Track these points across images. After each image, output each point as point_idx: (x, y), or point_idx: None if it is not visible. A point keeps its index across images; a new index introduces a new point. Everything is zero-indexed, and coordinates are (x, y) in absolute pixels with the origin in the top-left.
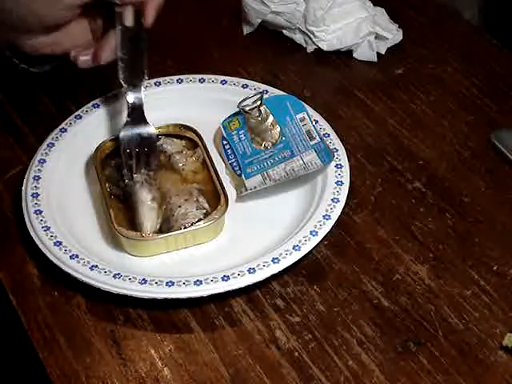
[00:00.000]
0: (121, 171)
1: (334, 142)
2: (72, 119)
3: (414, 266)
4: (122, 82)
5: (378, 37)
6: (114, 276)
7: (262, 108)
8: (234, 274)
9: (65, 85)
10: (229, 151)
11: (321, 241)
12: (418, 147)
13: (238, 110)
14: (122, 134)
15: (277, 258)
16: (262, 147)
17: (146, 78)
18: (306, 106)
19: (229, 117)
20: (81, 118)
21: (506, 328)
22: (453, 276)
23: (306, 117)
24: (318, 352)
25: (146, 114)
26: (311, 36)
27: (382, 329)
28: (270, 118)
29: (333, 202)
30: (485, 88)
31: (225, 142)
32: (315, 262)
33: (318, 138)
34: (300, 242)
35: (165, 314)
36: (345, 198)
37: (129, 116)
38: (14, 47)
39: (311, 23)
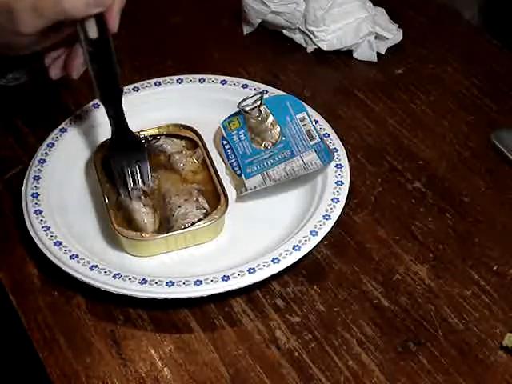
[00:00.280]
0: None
1: (334, 142)
2: (72, 119)
3: (413, 266)
4: (100, 100)
5: (378, 37)
6: (114, 276)
7: (262, 108)
8: (234, 274)
9: (65, 85)
10: (229, 151)
11: (321, 241)
12: (418, 147)
13: (237, 110)
14: (108, 154)
15: (277, 258)
16: (261, 147)
17: (123, 89)
18: (306, 105)
19: (229, 117)
20: (81, 118)
21: (506, 328)
22: (453, 276)
23: (306, 117)
24: (318, 352)
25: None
26: (311, 36)
27: (382, 329)
28: (270, 118)
29: (333, 201)
30: (485, 88)
31: (225, 142)
32: (315, 262)
33: (317, 137)
34: (300, 242)
35: (165, 314)
36: (345, 198)
37: (113, 134)
38: None
39: (311, 23)
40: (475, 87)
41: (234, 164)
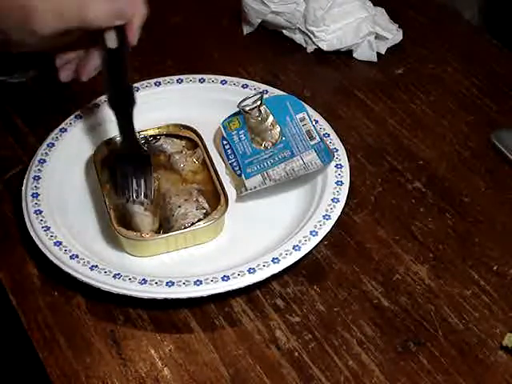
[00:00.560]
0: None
1: (334, 142)
2: (72, 119)
3: (413, 266)
4: (111, 108)
5: (378, 37)
6: (114, 276)
7: (262, 108)
8: (234, 274)
9: (65, 85)
10: (229, 151)
11: (321, 241)
12: (417, 147)
13: (237, 109)
14: (116, 163)
15: (277, 258)
16: (262, 147)
17: (135, 100)
18: (306, 105)
19: (229, 117)
20: (81, 118)
21: (506, 328)
22: (453, 276)
23: (306, 117)
24: (318, 352)
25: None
26: (311, 36)
27: (382, 329)
28: (270, 118)
29: (333, 201)
30: (485, 88)
31: (225, 142)
32: (315, 262)
33: (317, 137)
34: (300, 242)
35: (165, 314)
36: (345, 198)
37: (121, 143)
38: None
39: (311, 23)
40: (475, 87)
41: (234, 164)
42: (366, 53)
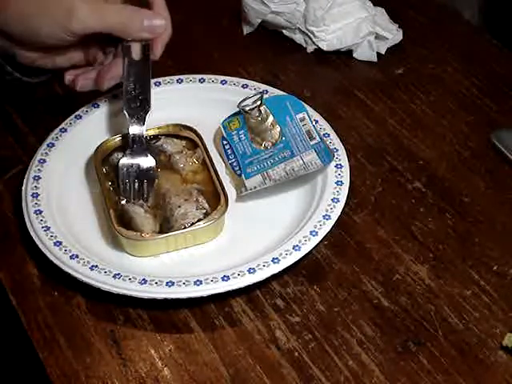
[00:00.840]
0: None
1: (334, 141)
2: (72, 119)
3: (413, 266)
4: (127, 115)
5: (378, 37)
6: (114, 276)
7: (262, 108)
8: (234, 274)
9: (65, 85)
10: (229, 151)
11: (321, 241)
12: (417, 147)
13: (237, 110)
14: (121, 163)
15: (277, 258)
16: (262, 147)
17: (151, 109)
18: (306, 105)
19: (229, 117)
20: (81, 117)
21: (506, 328)
22: (453, 276)
23: (306, 117)
24: (317, 352)
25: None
26: (311, 36)
27: (382, 329)
28: (270, 118)
29: (333, 201)
30: (485, 88)
31: (225, 142)
32: (315, 262)
33: (317, 137)
34: (300, 242)
35: (165, 314)
36: (345, 198)
37: (130, 147)
38: (8, 55)
39: (311, 23)
40: (475, 87)
41: (234, 164)
42: (365, 53)
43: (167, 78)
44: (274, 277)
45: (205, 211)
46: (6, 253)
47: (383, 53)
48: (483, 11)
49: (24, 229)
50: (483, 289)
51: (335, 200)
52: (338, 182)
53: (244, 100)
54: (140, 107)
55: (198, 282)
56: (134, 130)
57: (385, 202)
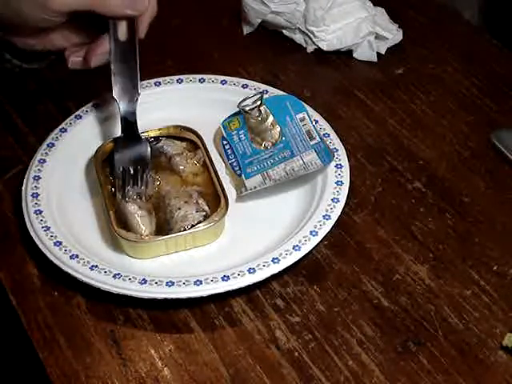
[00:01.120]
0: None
1: (334, 141)
2: (72, 119)
3: (414, 266)
4: (116, 97)
5: (378, 37)
6: (114, 276)
7: (262, 108)
8: (234, 274)
9: (65, 85)
10: (229, 151)
11: (321, 241)
12: (417, 147)
13: (237, 110)
14: (114, 151)
15: (277, 258)
16: (262, 147)
17: (140, 92)
18: (306, 105)
19: (229, 117)
20: (81, 117)
21: (506, 328)
22: (453, 276)
23: (306, 117)
24: (318, 352)
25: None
26: (311, 36)
27: (382, 329)
28: (270, 118)
29: (333, 201)
30: (485, 88)
31: (225, 142)
32: (315, 262)
33: (318, 137)
34: (300, 241)
35: (165, 314)
36: (345, 198)
37: (122, 131)
38: (6, 42)
39: (311, 23)
40: (475, 87)
41: (234, 164)
42: (366, 53)
43: (167, 78)
44: (274, 277)
45: (205, 213)
46: (6, 253)
47: (383, 53)
48: (483, 11)
49: (24, 229)
50: (483, 289)
51: (335, 200)
52: (338, 181)
53: (244, 100)
54: (128, 89)
55: (197, 282)
56: (124, 113)
57: (385, 202)
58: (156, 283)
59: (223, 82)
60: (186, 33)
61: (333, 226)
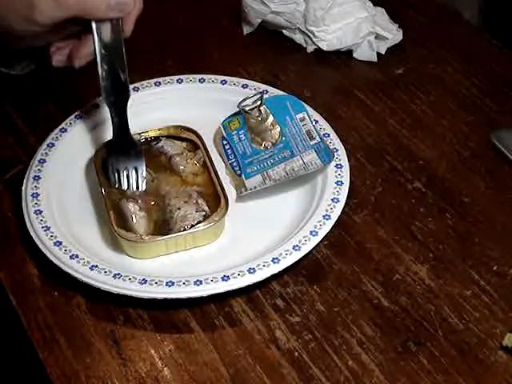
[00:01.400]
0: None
1: (334, 141)
2: (72, 119)
3: (414, 266)
4: (104, 100)
5: (378, 37)
6: (114, 276)
7: (262, 108)
8: (233, 274)
9: (65, 85)
10: (229, 151)
11: (321, 241)
12: (417, 147)
13: (238, 110)
14: (107, 154)
15: (277, 258)
16: (262, 147)
17: (130, 94)
18: (306, 105)
19: (229, 117)
20: (81, 118)
21: (506, 328)
22: (453, 276)
23: (306, 117)
24: (318, 352)
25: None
26: (311, 36)
27: (382, 329)
28: (270, 118)
29: (333, 201)
30: (485, 88)
31: (225, 142)
32: (315, 262)
33: (318, 137)
34: (300, 241)
35: (165, 314)
36: (345, 198)
37: (114, 136)
38: None
39: (311, 23)
40: (475, 87)
41: (234, 164)
42: (365, 53)
43: (167, 78)
44: (274, 277)
45: (204, 213)
46: (6, 253)
47: (383, 53)
48: (483, 11)
49: (24, 229)
50: (483, 289)
51: (335, 200)
52: (338, 182)
53: (244, 100)
54: (118, 94)
55: (198, 282)
56: (115, 118)
57: (385, 202)
58: (156, 283)
59: (223, 82)
60: (186, 33)
61: (333, 226)
